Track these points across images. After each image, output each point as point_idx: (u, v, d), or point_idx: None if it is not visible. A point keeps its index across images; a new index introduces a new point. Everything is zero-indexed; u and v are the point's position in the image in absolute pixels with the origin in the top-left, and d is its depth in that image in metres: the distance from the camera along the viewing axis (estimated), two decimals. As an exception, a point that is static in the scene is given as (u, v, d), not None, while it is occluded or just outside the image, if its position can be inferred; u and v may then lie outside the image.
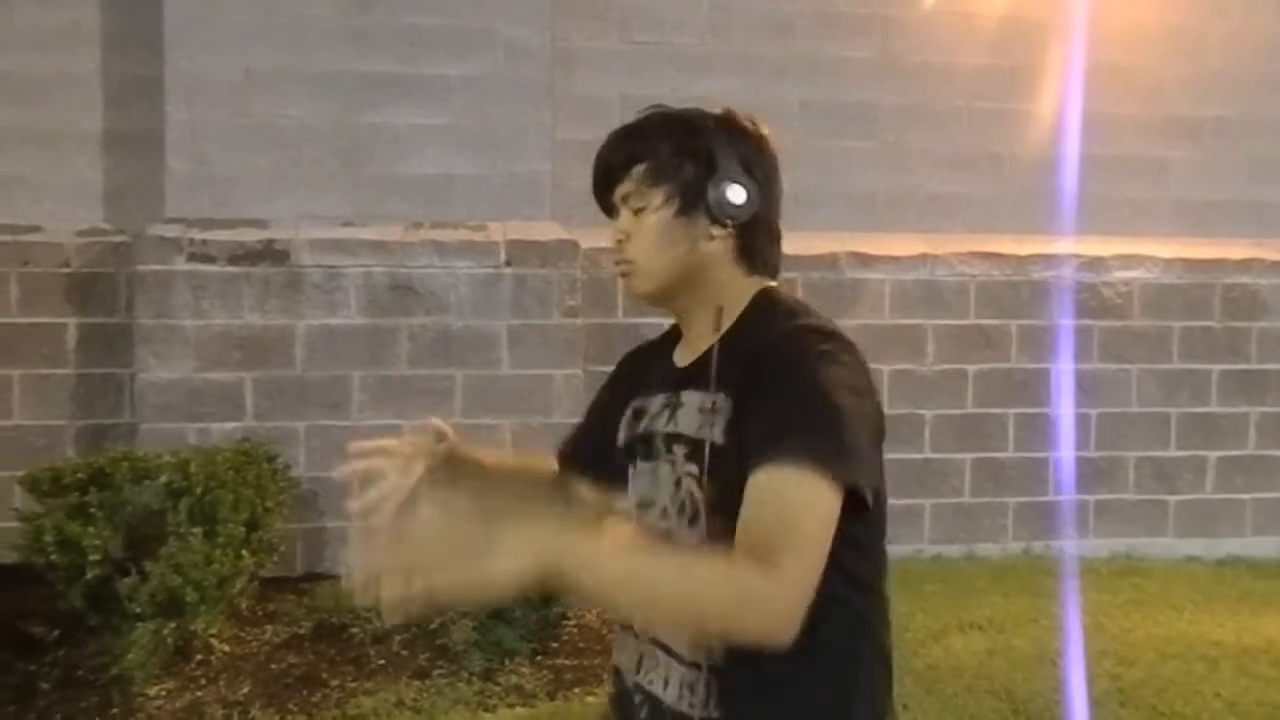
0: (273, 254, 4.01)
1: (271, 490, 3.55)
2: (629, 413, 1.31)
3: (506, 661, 3.28)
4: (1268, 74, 4.95)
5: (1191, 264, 4.81)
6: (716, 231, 1.20)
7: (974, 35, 4.78)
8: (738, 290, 1.22)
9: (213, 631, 3.33)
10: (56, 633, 3.24)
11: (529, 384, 4.13)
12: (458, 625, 3.37)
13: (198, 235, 3.98)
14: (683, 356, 1.27)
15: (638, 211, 1.22)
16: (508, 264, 4.11)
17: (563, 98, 4.38)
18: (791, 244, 4.72)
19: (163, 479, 3.24)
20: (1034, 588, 4.19)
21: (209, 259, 3.97)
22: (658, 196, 1.20)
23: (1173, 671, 3.44)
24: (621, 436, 1.31)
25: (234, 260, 3.98)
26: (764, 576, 0.97)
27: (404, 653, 3.37)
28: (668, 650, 1.18)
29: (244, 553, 3.29)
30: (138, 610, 2.98)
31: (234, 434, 3.86)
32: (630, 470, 1.28)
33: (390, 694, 3.11)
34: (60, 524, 3.04)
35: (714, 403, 1.13)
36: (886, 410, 1.22)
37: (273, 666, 3.28)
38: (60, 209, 4.21)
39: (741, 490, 1.04)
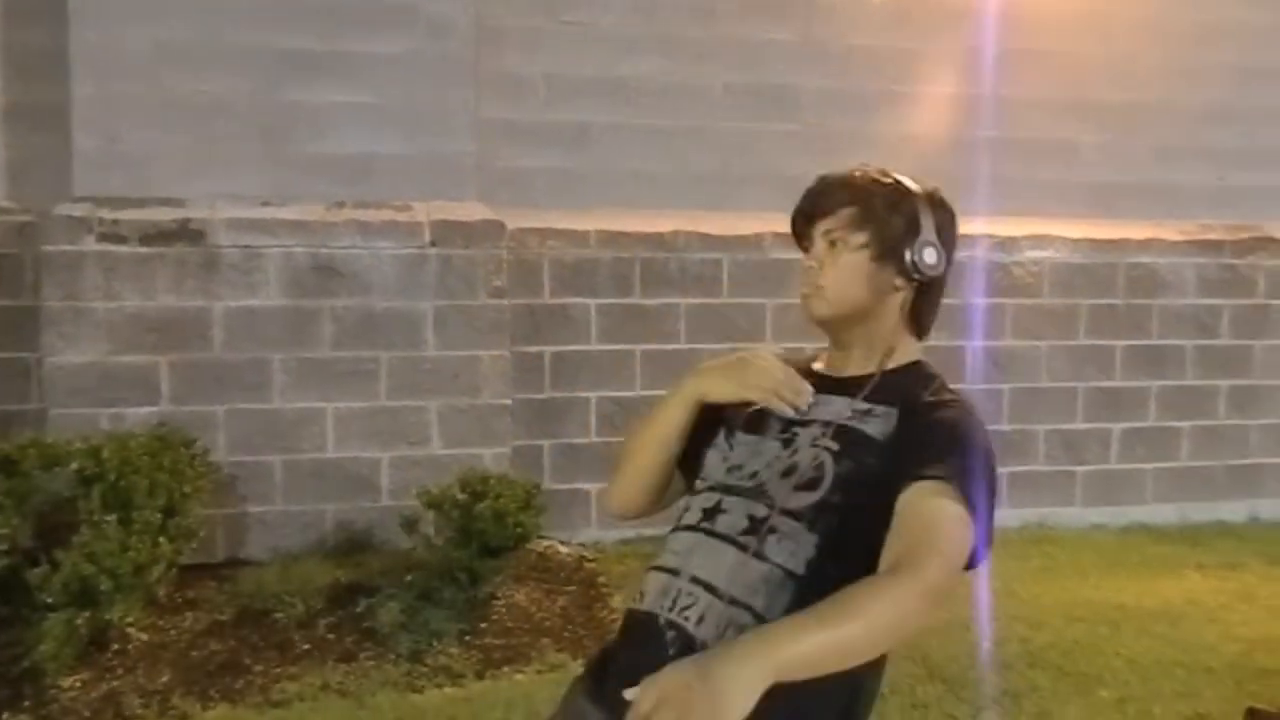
0: (188, 234, 3.90)
1: (189, 475, 3.48)
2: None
3: (434, 642, 3.28)
4: (1174, 60, 5.13)
5: (1097, 244, 5.00)
6: (901, 284, 1.36)
7: (895, 19, 4.87)
8: (902, 342, 1.39)
9: (129, 620, 3.25)
10: (-37, 626, 3.13)
11: (455, 365, 4.11)
12: (385, 608, 3.36)
13: (108, 215, 3.85)
14: (832, 370, 1.42)
15: (834, 244, 1.37)
16: (433, 244, 4.07)
17: (488, 76, 4.35)
18: (716, 225, 4.81)
19: (73, 466, 3.15)
20: (950, 557, 4.35)
21: (120, 239, 3.85)
22: (860, 238, 1.35)
23: (1079, 633, 3.61)
24: (729, 410, 1.42)
25: (146, 240, 3.87)
26: (910, 581, 1.10)
27: (330, 636, 3.35)
28: (710, 589, 1.24)
29: (161, 539, 3.22)
30: (49, 600, 2.89)
31: (150, 419, 3.76)
32: (720, 440, 1.40)
33: (316, 678, 3.09)
34: (-35, 513, 2.94)
35: (871, 409, 1.29)
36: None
37: (193, 654, 3.22)
38: (-40, 187, 4.04)
39: (869, 478, 1.22)
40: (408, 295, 4.06)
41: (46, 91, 4.01)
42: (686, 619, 1.24)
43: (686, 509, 1.40)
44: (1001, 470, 4.59)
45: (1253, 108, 5.23)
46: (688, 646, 1.22)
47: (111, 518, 3.07)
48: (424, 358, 4.08)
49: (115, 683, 3.04)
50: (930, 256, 1.35)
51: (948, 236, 1.39)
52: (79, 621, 2.98)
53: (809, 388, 1.36)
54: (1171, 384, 5.14)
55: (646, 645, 1.27)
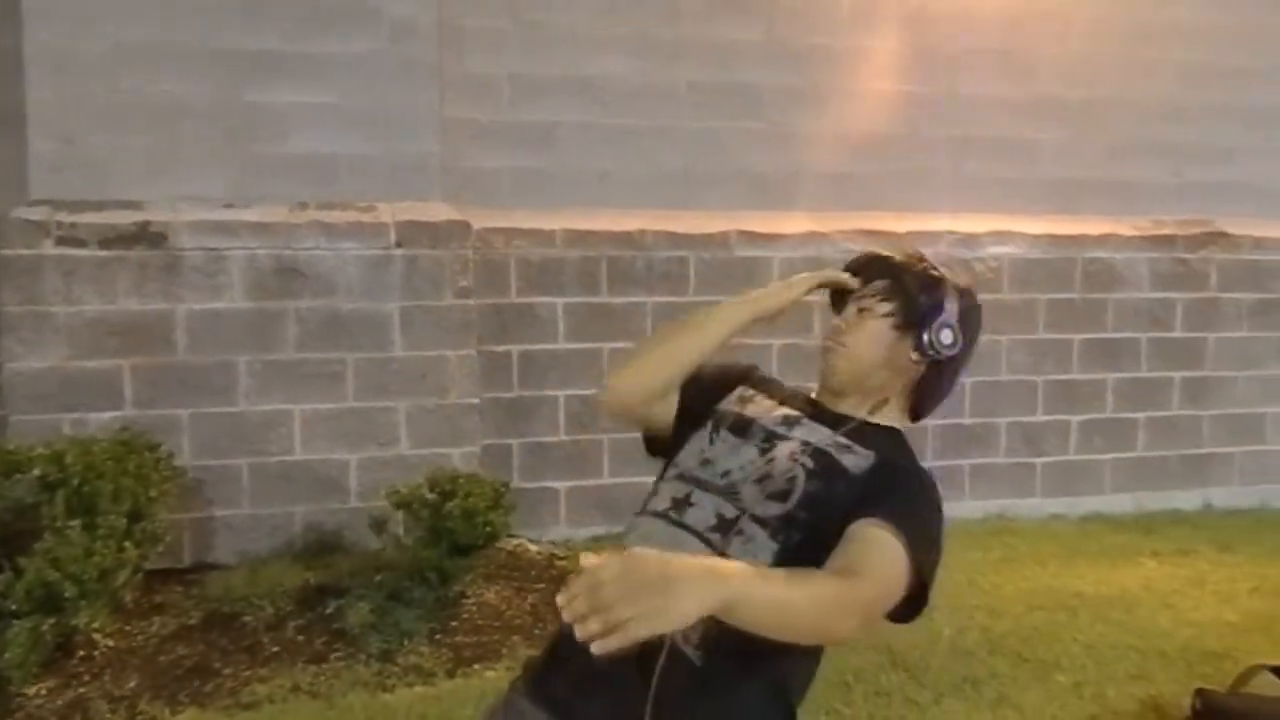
0: (149, 237, 3.87)
1: (154, 480, 3.46)
2: (739, 393, 1.54)
3: (405, 642, 3.29)
4: (1130, 59, 5.23)
5: (1056, 240, 5.10)
6: (916, 358, 1.46)
7: (857, 19, 4.93)
8: (895, 409, 1.50)
9: (96, 626, 3.23)
10: (-75, 635, 3.09)
11: (423, 365, 4.11)
12: (354, 609, 3.37)
13: (66, 218, 3.81)
14: (824, 402, 1.50)
15: (862, 311, 1.48)
16: (398, 245, 4.07)
17: (451, 77, 4.35)
18: (683, 223, 4.84)
19: (35, 472, 3.12)
20: (913, 549, 4.43)
21: (79, 242, 3.81)
22: (886, 308, 1.47)
23: (1038, 621, 3.70)
24: (725, 404, 1.50)
25: (106, 244, 3.83)
26: (853, 588, 1.17)
27: (300, 638, 3.34)
28: None
29: (126, 544, 3.20)
30: (13, 608, 2.87)
31: (113, 423, 3.73)
32: (703, 431, 1.46)
33: (286, 680, 3.09)
34: (-74, 521, 2.91)
35: (852, 447, 1.38)
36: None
37: (161, 659, 3.21)
38: (-87, 191, 3.97)
39: (835, 506, 1.28)
40: (373, 296, 4.05)
41: (1, 93, 3.95)
42: None
43: (654, 494, 1.44)
44: (963, 463, 4.70)
45: (1206, 105, 5.34)
46: None
47: (75, 523, 3.05)
48: (391, 358, 4.08)
49: (82, 689, 3.02)
50: (947, 338, 1.44)
51: (968, 327, 1.48)
52: (44, 628, 2.95)
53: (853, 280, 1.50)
54: (1127, 376, 5.25)
55: None
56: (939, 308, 1.45)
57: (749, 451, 1.39)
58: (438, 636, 3.37)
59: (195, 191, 3.97)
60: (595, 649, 0.97)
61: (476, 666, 3.22)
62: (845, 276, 1.53)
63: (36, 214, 3.80)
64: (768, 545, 1.29)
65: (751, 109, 4.82)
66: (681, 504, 1.37)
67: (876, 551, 1.22)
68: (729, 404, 1.52)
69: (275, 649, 3.28)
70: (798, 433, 1.41)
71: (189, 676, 3.11)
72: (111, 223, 3.84)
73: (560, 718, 1.30)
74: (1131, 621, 3.72)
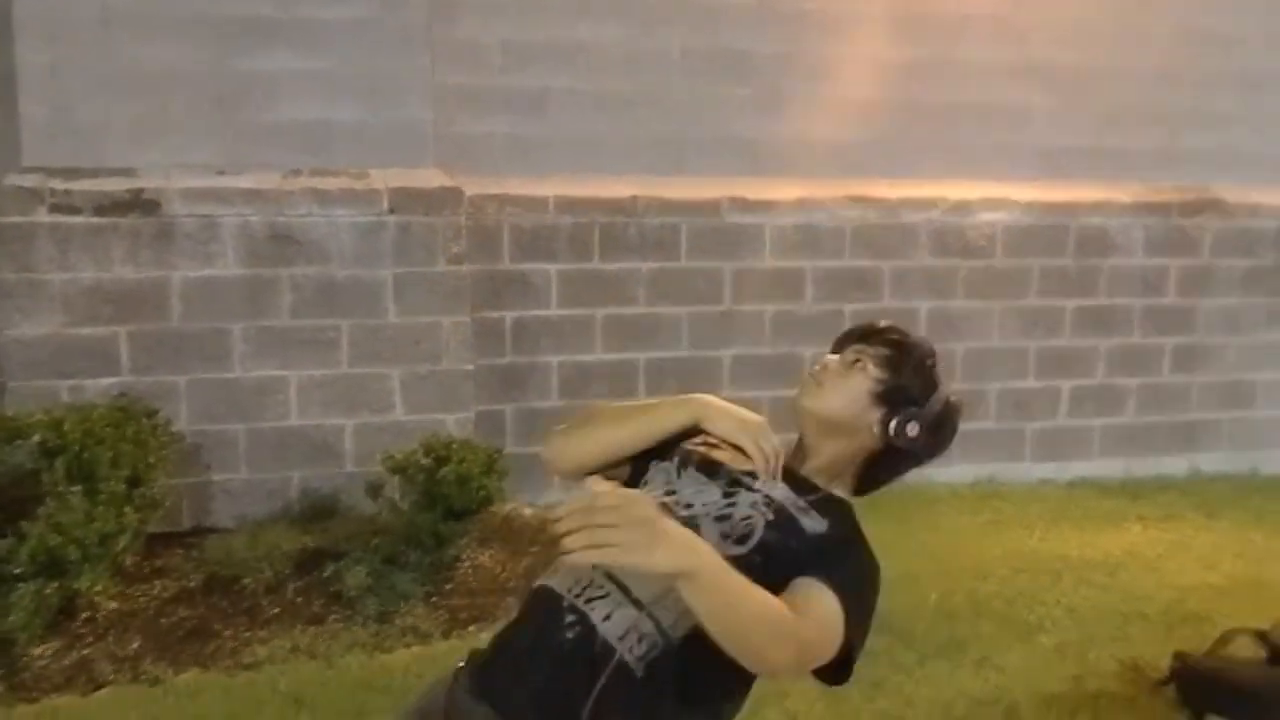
0: (142, 204, 3.88)
1: (153, 446, 3.51)
2: (704, 437, 1.54)
3: (401, 604, 3.36)
4: (1123, 24, 5.19)
5: (1049, 207, 5.09)
6: (877, 432, 1.50)
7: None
8: (846, 479, 1.55)
9: (98, 589, 3.29)
10: (-69, 597, 3.16)
11: (416, 332, 4.14)
12: (352, 572, 3.43)
13: (60, 185, 3.81)
14: (789, 462, 1.52)
15: (854, 364, 1.52)
16: (391, 212, 4.08)
17: (444, 43, 4.32)
18: (673, 190, 4.84)
19: (35, 438, 3.17)
20: (903, 514, 4.44)
21: (74, 210, 3.82)
22: (876, 374, 1.51)
23: (1022, 584, 3.76)
24: (691, 444, 1.52)
25: (100, 211, 3.84)
26: (797, 625, 1.22)
27: (298, 600, 3.41)
28: (623, 588, 1.29)
29: (126, 509, 3.26)
30: (17, 571, 2.93)
31: (110, 390, 3.77)
32: (669, 464, 1.49)
33: (285, 641, 3.16)
34: (-72, 487, 2.96)
35: (809, 510, 1.42)
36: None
37: (163, 621, 3.28)
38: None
39: (788, 561, 1.33)
40: (366, 263, 4.07)
41: (-8, 60, 3.94)
42: (592, 609, 1.30)
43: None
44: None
45: (1201, 71, 5.31)
46: (587, 638, 1.28)
47: (76, 489, 3.10)
48: (385, 325, 4.11)
49: (86, 650, 3.09)
50: (912, 430, 1.48)
51: (936, 433, 1.52)
52: (48, 591, 3.01)
53: (779, 476, 1.46)
54: (1119, 342, 5.28)
55: (545, 627, 1.32)
56: (922, 400, 1.50)
57: (713, 492, 1.43)
58: (433, 599, 3.44)
59: (187, 158, 3.97)
60: (573, 557, 1.06)
61: (471, 628, 3.29)
62: (768, 465, 1.46)
63: (30, 181, 3.81)
64: None
65: (744, 75, 4.79)
66: None
67: (816, 603, 1.27)
68: (696, 444, 1.53)
69: (274, 611, 3.35)
70: (761, 486, 1.44)
71: (190, 638, 3.19)
72: (105, 190, 3.85)
73: (501, 711, 1.32)
74: (1115, 585, 3.79)
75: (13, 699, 2.85)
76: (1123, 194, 5.23)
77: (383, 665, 3.05)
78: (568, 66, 4.59)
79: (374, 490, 3.68)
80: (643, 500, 1.12)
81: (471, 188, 4.28)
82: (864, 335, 1.56)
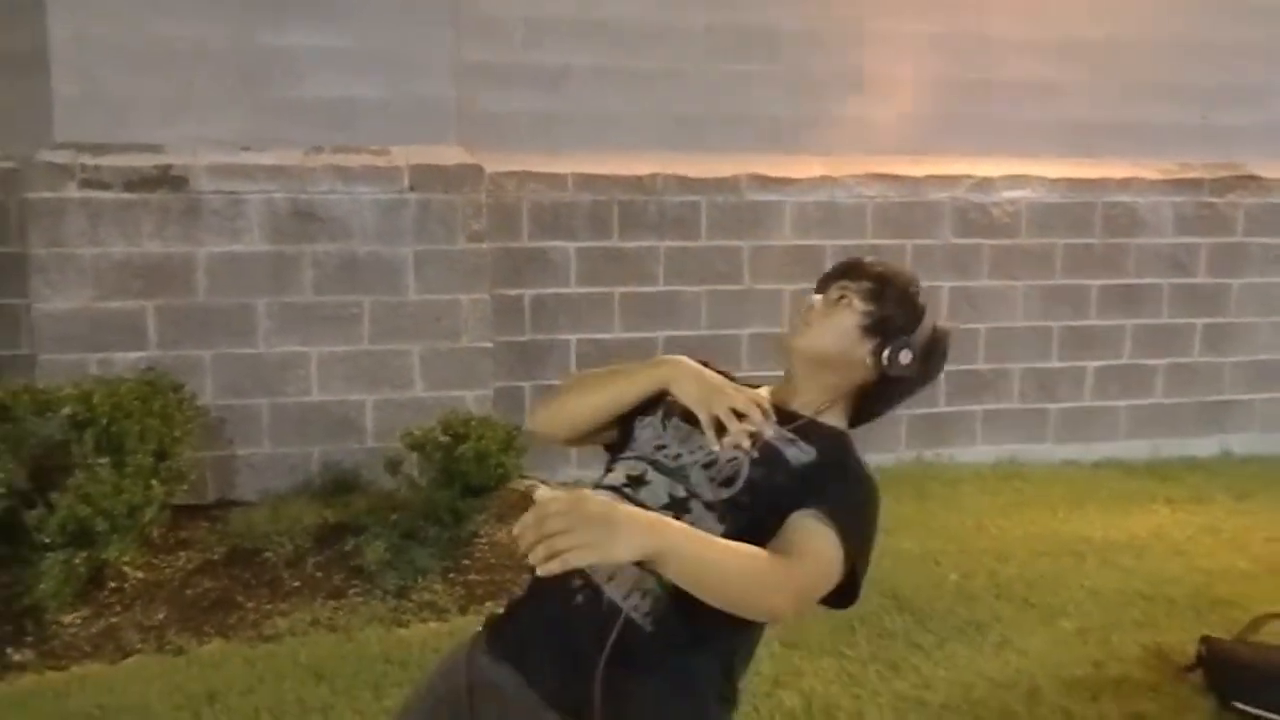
0: (170, 180, 3.92)
1: (179, 419, 3.56)
2: None
3: (419, 579, 3.39)
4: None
5: (1075, 183, 5.01)
6: (869, 364, 1.50)
7: (875, -43, 4.82)
8: (838, 409, 1.54)
9: (125, 559, 3.36)
10: (-36, 566, 3.24)
11: (436, 309, 4.16)
12: (371, 546, 3.47)
13: (90, 161, 3.86)
14: (774, 399, 1.53)
15: (840, 300, 1.53)
16: (411, 189, 4.10)
17: (465, 19, 4.32)
18: (694, 168, 4.81)
19: (65, 410, 3.22)
20: (923, 493, 4.46)
21: (103, 185, 3.87)
22: (861, 307, 1.51)
23: (1044, 566, 3.72)
24: (672, 397, 1.52)
25: (130, 187, 3.89)
26: (785, 570, 1.24)
27: (319, 574, 3.46)
28: None
29: (153, 482, 3.31)
30: (47, 541, 2.99)
31: (137, 364, 3.83)
32: (653, 418, 1.52)
33: (306, 614, 3.20)
34: (-39, 458, 3.02)
35: (796, 441, 1.43)
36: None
37: (187, 591, 3.34)
38: (-61, 134, 4.04)
39: (777, 496, 1.34)
40: (387, 240, 4.09)
41: (25, 37, 3.97)
42: (597, 572, 1.34)
43: (610, 470, 1.50)
44: (975, 408, 4.69)
45: (1233, 44, 5.19)
46: (594, 600, 1.33)
47: (104, 461, 3.15)
48: (405, 302, 4.14)
49: (114, 619, 3.16)
50: (904, 358, 1.49)
51: (928, 359, 1.53)
52: (77, 561, 3.08)
53: (745, 444, 1.40)
54: (1147, 322, 5.20)
55: (555, 592, 1.35)
56: (909, 328, 1.50)
57: (699, 439, 1.44)
58: (451, 574, 3.47)
59: (212, 134, 4.01)
60: (539, 571, 1.08)
61: (488, 604, 3.31)
62: (755, 427, 1.41)
63: (61, 157, 3.86)
64: (715, 528, 1.34)
65: (765, 52, 4.75)
66: (637, 481, 1.43)
67: (812, 539, 1.29)
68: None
69: (295, 584, 3.40)
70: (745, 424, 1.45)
71: (214, 609, 3.24)
72: (134, 165, 3.90)
73: (520, 670, 1.37)
74: (1140, 568, 3.73)
75: (42, 666, 2.92)
76: (1153, 171, 5.14)
77: (401, 639, 3.09)
78: (589, 43, 4.57)
79: (393, 466, 3.72)
80: (591, 497, 1.13)
81: (492, 165, 4.28)
82: (846, 271, 1.56)
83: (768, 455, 1.40)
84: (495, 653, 1.41)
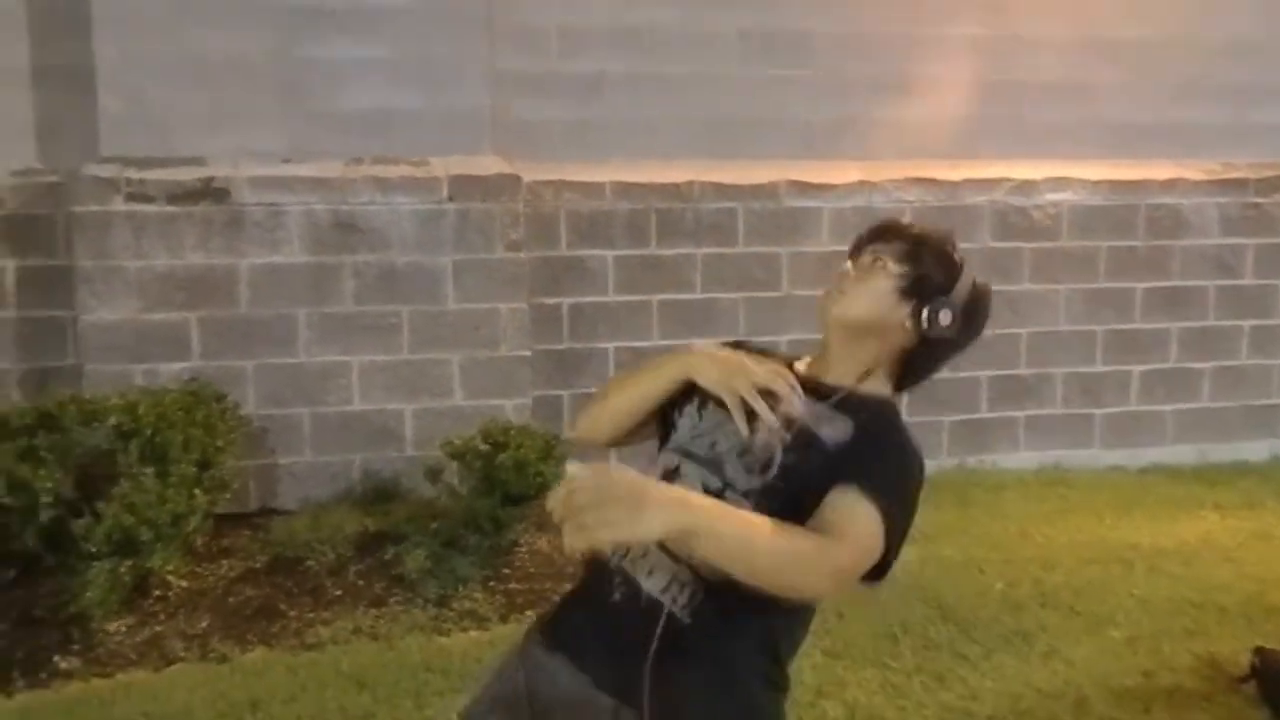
0: (213, 193, 3.97)
1: (221, 430, 3.60)
2: None
3: (460, 588, 3.40)
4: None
5: (1117, 185, 4.94)
6: (909, 327, 1.45)
7: (910, -40, 4.79)
8: (881, 377, 1.49)
9: (170, 568, 3.40)
10: (13, 573, 3.28)
11: (475, 318, 4.18)
12: (412, 555, 3.48)
13: (135, 175, 3.93)
14: (810, 372, 1.51)
15: (875, 264, 1.47)
16: (450, 199, 4.12)
17: (501, 29, 4.34)
18: (731, 174, 4.79)
19: (111, 421, 3.26)
20: (966, 500, 4.40)
21: (148, 199, 3.93)
22: (897, 270, 1.46)
23: (1091, 574, 3.66)
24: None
25: (174, 200, 3.95)
26: (824, 549, 1.21)
27: (360, 583, 3.47)
28: (662, 545, 1.32)
29: (197, 491, 3.35)
30: (93, 550, 3.03)
31: (181, 374, 3.88)
32: (691, 406, 1.49)
33: (348, 622, 3.22)
34: (10, 467, 3.06)
35: (832, 418, 1.38)
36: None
37: (230, 600, 3.37)
38: (-11, 149, 4.12)
39: (812, 478, 1.30)
40: (427, 250, 4.12)
41: (71, 53, 4.06)
42: (635, 568, 1.35)
43: (652, 464, 1.49)
44: (1018, 414, 4.62)
45: (1274, 42, 5.10)
46: (633, 596, 1.34)
47: (149, 470, 3.19)
48: (444, 311, 4.15)
49: (158, 627, 3.19)
50: (945, 318, 1.43)
51: (970, 318, 1.47)
52: (122, 569, 3.12)
53: (773, 423, 1.38)
54: (1193, 325, 5.11)
55: (597, 590, 1.39)
56: (947, 287, 1.45)
57: (732, 425, 1.41)
58: (491, 583, 3.47)
59: (253, 146, 4.06)
60: (566, 546, 1.07)
61: (529, 613, 3.30)
62: (785, 389, 1.41)
63: (107, 171, 3.93)
64: None
65: (801, 57, 4.73)
66: (672, 475, 1.42)
67: (851, 518, 1.25)
68: None
69: (337, 592, 3.42)
70: (781, 408, 1.42)
71: (256, 617, 3.27)
72: (178, 179, 3.96)
73: (572, 659, 1.39)
74: (1189, 575, 3.66)
75: (88, 673, 2.95)
76: (1197, 171, 5.05)
77: (442, 648, 3.09)
78: (624, 50, 4.58)
79: (433, 475, 3.73)
80: (618, 474, 1.10)
81: (529, 174, 4.30)
82: (879, 234, 1.51)
83: (802, 438, 1.37)
84: (548, 644, 1.43)
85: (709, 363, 1.45)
